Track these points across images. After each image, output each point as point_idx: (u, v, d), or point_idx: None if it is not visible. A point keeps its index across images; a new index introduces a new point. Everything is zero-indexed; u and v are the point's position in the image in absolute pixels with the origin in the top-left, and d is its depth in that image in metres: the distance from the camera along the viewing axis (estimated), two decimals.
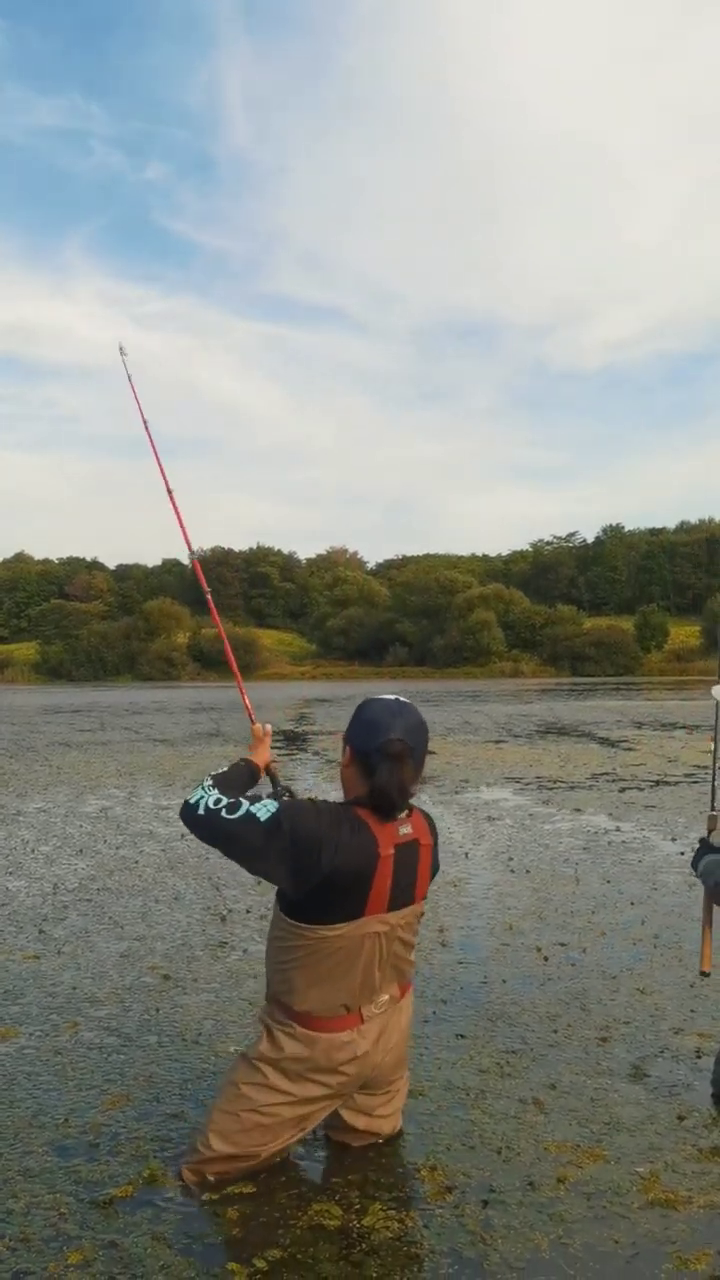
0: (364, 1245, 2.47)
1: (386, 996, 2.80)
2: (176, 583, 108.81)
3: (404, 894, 2.72)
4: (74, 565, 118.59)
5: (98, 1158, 2.92)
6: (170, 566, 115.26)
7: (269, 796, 2.77)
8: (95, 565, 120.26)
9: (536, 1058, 3.69)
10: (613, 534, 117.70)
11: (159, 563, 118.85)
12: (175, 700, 39.78)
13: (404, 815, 2.74)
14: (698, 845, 3.30)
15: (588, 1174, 2.83)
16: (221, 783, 2.80)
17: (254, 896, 6.27)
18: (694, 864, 3.28)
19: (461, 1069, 3.58)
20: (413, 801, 2.77)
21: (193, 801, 2.70)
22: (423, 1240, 2.51)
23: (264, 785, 3.11)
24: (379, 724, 2.66)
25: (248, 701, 3.48)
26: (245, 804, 2.64)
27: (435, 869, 2.88)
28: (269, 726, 3.26)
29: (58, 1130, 3.09)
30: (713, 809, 3.43)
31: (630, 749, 16.73)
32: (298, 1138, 2.80)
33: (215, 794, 2.69)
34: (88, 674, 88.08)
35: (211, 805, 2.66)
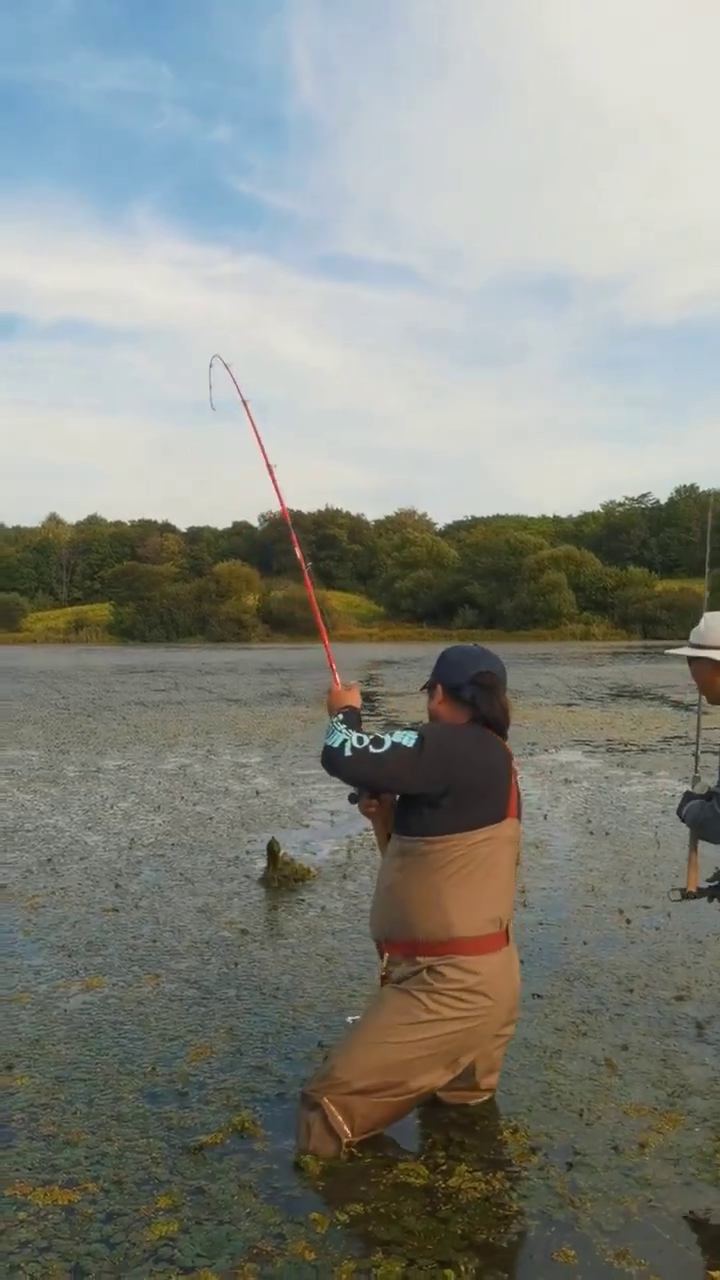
0: (450, 1204, 2.47)
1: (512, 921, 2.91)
2: (246, 545, 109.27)
3: (519, 805, 2.93)
4: (146, 528, 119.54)
5: (188, 1105, 2.98)
6: (240, 529, 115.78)
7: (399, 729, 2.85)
8: (167, 528, 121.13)
9: (613, 1018, 3.65)
10: (686, 494, 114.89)
11: (229, 525, 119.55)
12: (246, 661, 40.11)
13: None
14: (682, 796, 3.49)
15: (670, 1140, 2.79)
16: (352, 723, 2.88)
17: (328, 855, 6.30)
18: (679, 810, 3.42)
19: (538, 1027, 3.57)
20: None
21: (336, 745, 2.75)
22: (510, 1202, 2.50)
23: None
24: (466, 662, 2.93)
25: (334, 664, 3.45)
26: (386, 737, 2.75)
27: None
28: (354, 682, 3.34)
29: (145, 1078, 3.15)
30: (695, 771, 3.77)
31: (705, 712, 16.37)
32: (448, 1077, 2.77)
33: (353, 734, 2.77)
34: (160, 635, 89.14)
35: (356, 745, 2.73)
